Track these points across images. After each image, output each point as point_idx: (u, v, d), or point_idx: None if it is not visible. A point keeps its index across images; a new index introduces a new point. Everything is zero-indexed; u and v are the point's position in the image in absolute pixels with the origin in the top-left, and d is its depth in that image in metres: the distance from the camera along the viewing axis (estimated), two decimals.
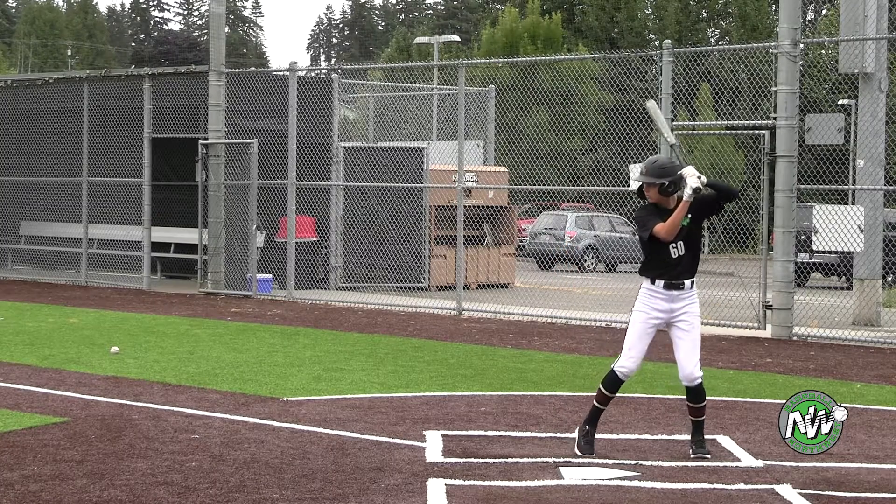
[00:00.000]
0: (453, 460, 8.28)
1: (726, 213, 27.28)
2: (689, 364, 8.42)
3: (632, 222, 8.89)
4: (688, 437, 8.66)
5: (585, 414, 8.73)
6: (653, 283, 8.47)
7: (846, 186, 21.09)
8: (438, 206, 23.15)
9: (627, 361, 8.50)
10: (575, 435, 8.67)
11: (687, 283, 8.45)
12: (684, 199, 8.29)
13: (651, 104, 9.06)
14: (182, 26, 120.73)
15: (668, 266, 8.44)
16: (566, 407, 10.41)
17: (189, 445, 8.68)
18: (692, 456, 8.43)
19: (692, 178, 8.26)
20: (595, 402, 8.64)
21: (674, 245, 8.40)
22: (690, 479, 7.87)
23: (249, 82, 22.83)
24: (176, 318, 17.47)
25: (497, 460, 8.29)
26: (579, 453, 8.50)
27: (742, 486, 7.72)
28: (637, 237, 8.92)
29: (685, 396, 8.58)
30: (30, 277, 24.38)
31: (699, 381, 8.45)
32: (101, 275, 23.60)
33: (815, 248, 16.32)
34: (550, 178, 31.93)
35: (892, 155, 23.67)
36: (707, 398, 8.61)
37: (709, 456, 8.42)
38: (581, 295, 22.53)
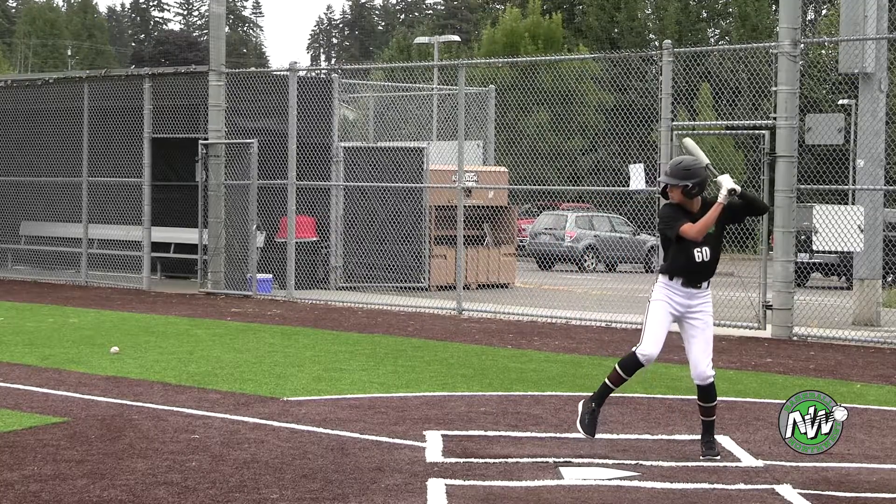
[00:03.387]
0: (453, 460, 8.28)
1: None
2: (702, 363, 8.42)
3: (657, 219, 8.77)
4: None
5: (595, 390, 8.70)
6: (671, 279, 8.46)
7: (846, 186, 21.08)
8: (438, 206, 23.14)
9: (650, 346, 8.43)
10: (579, 410, 8.63)
11: (704, 283, 8.47)
12: (719, 200, 8.33)
13: (687, 141, 8.95)
14: (182, 26, 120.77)
15: (690, 268, 8.41)
16: (566, 407, 10.39)
17: (189, 445, 8.68)
18: (702, 458, 8.38)
19: (728, 181, 8.32)
20: (607, 380, 8.59)
21: (699, 249, 8.36)
22: (690, 479, 7.87)
23: (249, 82, 22.83)
24: (176, 318, 17.47)
25: (497, 460, 8.29)
26: (580, 430, 8.50)
27: (742, 486, 7.72)
28: (658, 234, 8.86)
29: (696, 396, 8.57)
30: (30, 277, 24.37)
31: (711, 380, 8.43)
32: (101, 275, 23.59)
33: (815, 248, 16.31)
34: (550, 178, 31.91)
35: (892, 155, 23.66)
36: (718, 399, 8.59)
37: (718, 457, 8.38)
38: (581, 295, 22.51)
